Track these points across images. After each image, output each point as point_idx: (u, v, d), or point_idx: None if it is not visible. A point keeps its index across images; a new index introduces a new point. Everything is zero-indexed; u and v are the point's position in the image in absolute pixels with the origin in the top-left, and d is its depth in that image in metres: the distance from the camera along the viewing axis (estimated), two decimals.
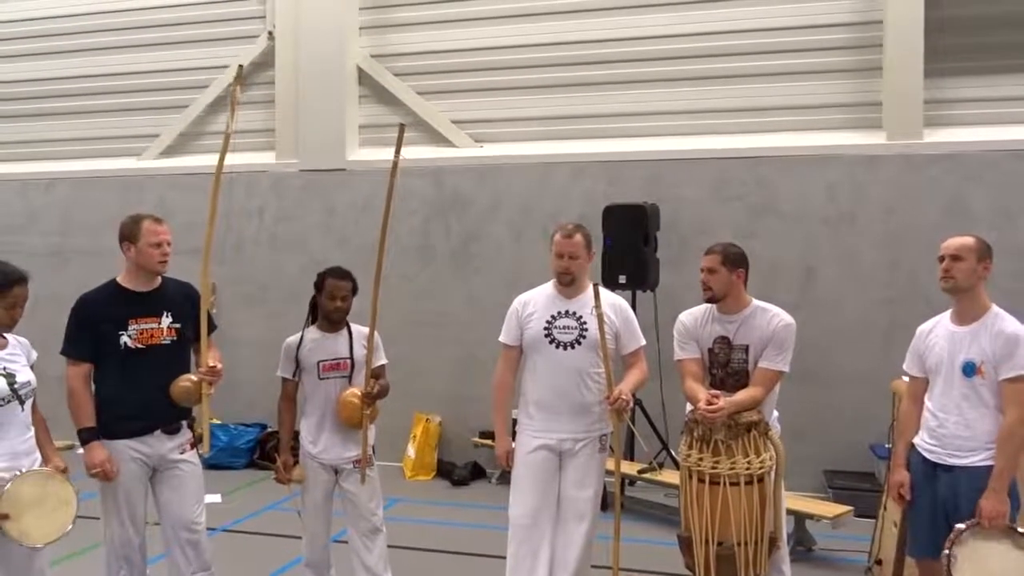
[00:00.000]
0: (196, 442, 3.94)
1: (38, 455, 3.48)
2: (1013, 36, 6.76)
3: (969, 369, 3.49)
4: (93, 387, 3.79)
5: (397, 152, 3.83)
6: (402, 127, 3.96)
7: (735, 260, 3.88)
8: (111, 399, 3.75)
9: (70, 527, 3.40)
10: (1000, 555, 3.32)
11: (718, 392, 3.77)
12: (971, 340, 3.51)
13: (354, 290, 4.21)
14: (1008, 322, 3.49)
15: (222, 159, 3.84)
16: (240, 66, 5.06)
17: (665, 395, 6.35)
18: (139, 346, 3.77)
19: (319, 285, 4.19)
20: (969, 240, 3.58)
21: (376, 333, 4.15)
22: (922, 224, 6.61)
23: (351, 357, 4.18)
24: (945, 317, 3.70)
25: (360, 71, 8.21)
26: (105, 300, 3.81)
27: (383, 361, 4.28)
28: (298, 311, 4.39)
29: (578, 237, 4.01)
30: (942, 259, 3.59)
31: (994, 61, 6.83)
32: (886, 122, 6.94)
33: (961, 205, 6.66)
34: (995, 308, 3.56)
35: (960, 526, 3.39)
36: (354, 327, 4.25)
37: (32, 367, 3.52)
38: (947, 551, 3.35)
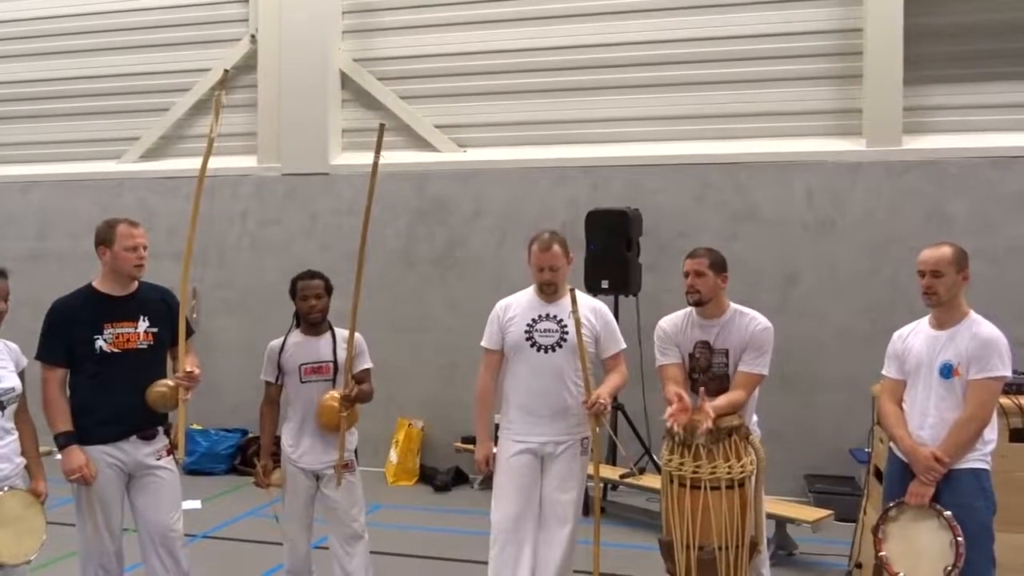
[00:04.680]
0: (173, 448, 3.89)
1: (20, 460, 3.46)
2: (991, 44, 6.84)
3: (946, 371, 3.54)
4: (68, 392, 3.74)
5: (377, 153, 3.82)
6: (382, 127, 3.94)
7: (721, 265, 3.89)
8: (86, 404, 3.70)
9: (32, 557, 3.42)
10: (926, 533, 3.50)
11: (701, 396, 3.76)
12: (949, 342, 3.56)
13: (328, 289, 4.20)
14: (984, 326, 3.55)
15: (205, 163, 3.81)
16: (225, 71, 5.04)
17: (647, 400, 6.36)
18: (115, 350, 3.72)
19: (292, 291, 4.20)
20: (946, 252, 3.59)
21: (361, 337, 4.14)
22: (902, 230, 6.67)
23: (334, 360, 4.16)
24: (923, 322, 3.75)
25: (343, 75, 8.19)
26: (80, 304, 3.76)
27: (367, 365, 4.26)
28: (280, 316, 4.37)
29: (556, 247, 4.00)
30: (922, 274, 3.61)
31: (973, 69, 6.91)
32: (866, 129, 6.99)
33: (940, 212, 6.72)
34: (973, 313, 3.61)
35: (889, 505, 3.63)
36: (338, 331, 4.23)
37: (22, 373, 3.50)
38: (880, 526, 3.62)
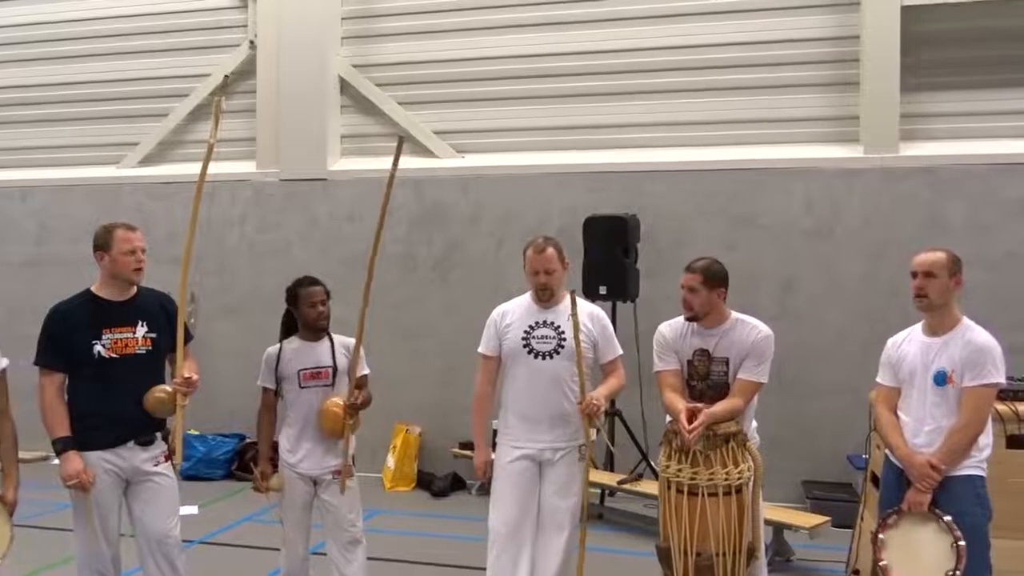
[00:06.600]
0: (170, 453, 3.88)
1: None
2: (988, 51, 6.87)
3: (940, 378, 3.54)
4: (66, 397, 3.73)
5: (395, 166, 3.82)
6: (400, 140, 3.95)
7: (716, 280, 3.86)
8: (84, 410, 3.69)
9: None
10: (925, 538, 3.49)
11: (700, 405, 3.77)
12: (942, 350, 3.57)
13: (327, 294, 4.21)
14: (978, 333, 3.55)
15: (205, 169, 3.81)
16: (226, 76, 5.03)
17: (645, 406, 6.37)
18: (113, 356, 3.71)
19: (292, 299, 4.19)
20: (940, 256, 3.60)
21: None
22: (899, 236, 6.68)
23: (333, 365, 4.16)
24: (916, 329, 3.75)
25: (342, 81, 8.21)
26: (78, 310, 3.76)
27: (366, 371, 4.27)
28: (279, 322, 4.37)
29: (550, 251, 4.01)
30: (914, 275, 3.63)
31: (969, 76, 6.94)
32: (863, 135, 7.02)
33: (937, 218, 6.74)
34: (966, 320, 3.61)
35: (887, 512, 3.61)
36: (336, 337, 4.24)
37: (4, 372, 3.48)
38: (879, 535, 3.59)
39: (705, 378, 3.91)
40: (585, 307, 4.11)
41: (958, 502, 3.46)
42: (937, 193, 6.80)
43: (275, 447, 4.27)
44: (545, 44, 7.71)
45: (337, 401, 4.07)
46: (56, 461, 3.70)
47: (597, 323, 4.09)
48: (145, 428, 3.79)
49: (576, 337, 3.82)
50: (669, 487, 3.73)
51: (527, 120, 7.81)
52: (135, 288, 3.87)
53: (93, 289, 3.84)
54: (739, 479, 3.65)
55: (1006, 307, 6.26)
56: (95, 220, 4.50)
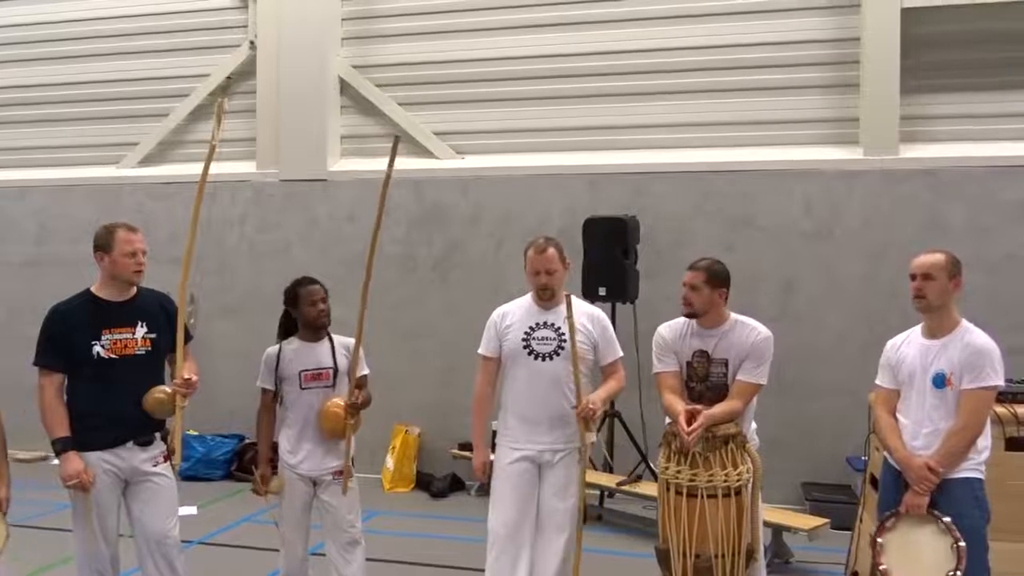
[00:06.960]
0: (169, 454, 3.88)
1: None
2: (988, 53, 6.88)
3: (939, 380, 3.54)
4: (65, 398, 3.73)
5: (391, 165, 3.82)
6: (396, 139, 3.94)
7: (719, 279, 3.88)
8: (83, 410, 3.69)
9: None
10: (925, 540, 3.49)
11: (699, 407, 3.77)
12: (941, 352, 3.57)
13: (327, 293, 4.21)
14: (977, 335, 3.55)
15: (206, 169, 3.81)
16: (228, 77, 5.03)
17: (644, 407, 6.37)
18: (112, 356, 3.71)
19: (292, 299, 4.19)
20: (939, 257, 3.61)
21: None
22: (899, 238, 6.69)
23: (334, 366, 4.16)
24: (916, 331, 3.75)
25: (342, 81, 8.22)
26: (78, 310, 3.76)
27: (365, 371, 4.27)
28: (278, 322, 4.37)
29: (551, 251, 4.02)
30: (913, 277, 3.63)
31: (969, 78, 6.94)
32: (863, 137, 7.02)
33: (937, 220, 6.74)
34: (965, 322, 3.62)
35: (885, 515, 3.61)
36: (336, 337, 4.24)
37: None
38: (878, 539, 3.57)
39: (704, 379, 3.91)
40: (585, 308, 4.12)
41: (956, 504, 3.46)
42: (937, 195, 6.80)
43: (274, 448, 4.28)
44: (545, 46, 7.71)
45: (338, 402, 4.07)
46: (55, 461, 3.70)
47: (597, 324, 4.09)
48: (144, 428, 3.79)
49: (572, 340, 3.82)
50: (668, 489, 3.73)
51: (527, 121, 7.81)
52: (135, 288, 3.87)
53: (93, 289, 3.84)
54: (738, 481, 3.66)
55: (1005, 310, 6.27)
56: (95, 220, 4.51)
